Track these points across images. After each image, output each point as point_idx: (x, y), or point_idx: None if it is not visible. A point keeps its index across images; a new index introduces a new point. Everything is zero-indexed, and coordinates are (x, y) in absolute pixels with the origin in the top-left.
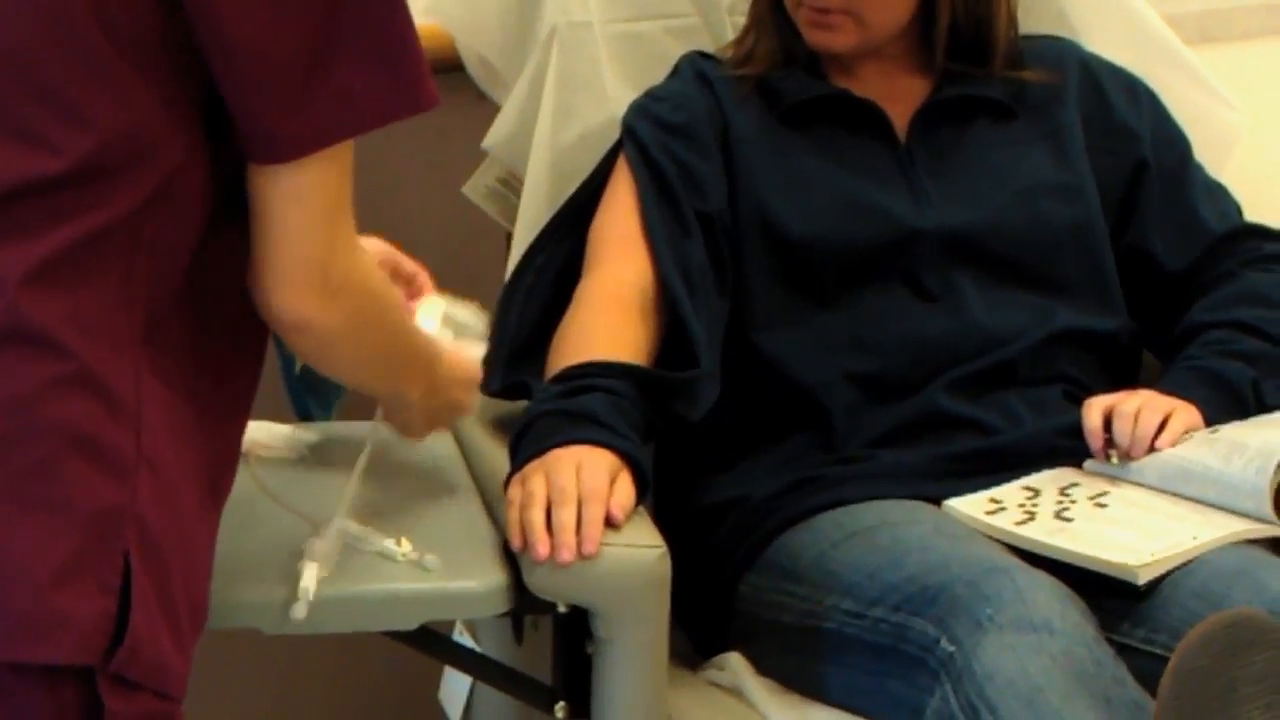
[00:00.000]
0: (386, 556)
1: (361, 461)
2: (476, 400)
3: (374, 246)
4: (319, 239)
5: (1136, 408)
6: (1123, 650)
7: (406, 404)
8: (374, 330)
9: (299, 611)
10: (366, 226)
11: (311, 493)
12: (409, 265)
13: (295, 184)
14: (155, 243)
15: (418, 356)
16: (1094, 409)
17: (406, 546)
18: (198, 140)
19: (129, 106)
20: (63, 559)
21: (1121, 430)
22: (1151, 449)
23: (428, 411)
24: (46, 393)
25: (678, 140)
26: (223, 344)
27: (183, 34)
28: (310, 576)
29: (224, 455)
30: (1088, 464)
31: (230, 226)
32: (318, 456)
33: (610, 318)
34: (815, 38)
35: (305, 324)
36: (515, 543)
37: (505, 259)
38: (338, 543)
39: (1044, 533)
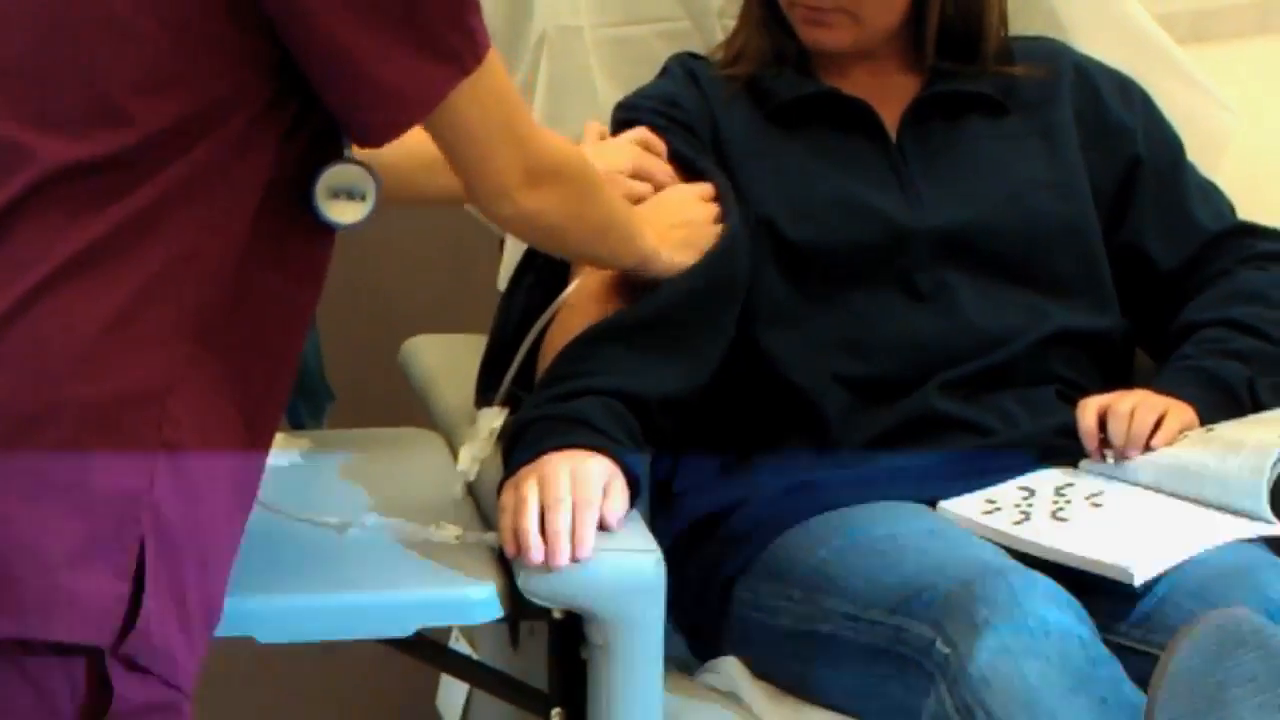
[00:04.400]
0: (438, 542)
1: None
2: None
3: (624, 154)
4: (505, 149)
5: (1131, 407)
6: (1120, 651)
7: (650, 256)
8: (590, 203)
9: (457, 493)
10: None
11: (304, 499)
12: (661, 176)
13: (451, 124)
14: (198, 236)
15: (632, 215)
16: (1089, 409)
17: (453, 529)
18: (245, 141)
19: (174, 102)
20: (77, 540)
21: (1116, 429)
22: (1147, 448)
23: (675, 245)
24: (69, 374)
25: (675, 127)
26: (267, 353)
27: (245, 40)
28: (466, 458)
29: (256, 459)
30: (1083, 464)
31: (282, 238)
32: (309, 463)
33: (603, 315)
34: (811, 35)
35: (529, 216)
36: (509, 548)
37: (498, 265)
38: (490, 441)
39: (1040, 533)
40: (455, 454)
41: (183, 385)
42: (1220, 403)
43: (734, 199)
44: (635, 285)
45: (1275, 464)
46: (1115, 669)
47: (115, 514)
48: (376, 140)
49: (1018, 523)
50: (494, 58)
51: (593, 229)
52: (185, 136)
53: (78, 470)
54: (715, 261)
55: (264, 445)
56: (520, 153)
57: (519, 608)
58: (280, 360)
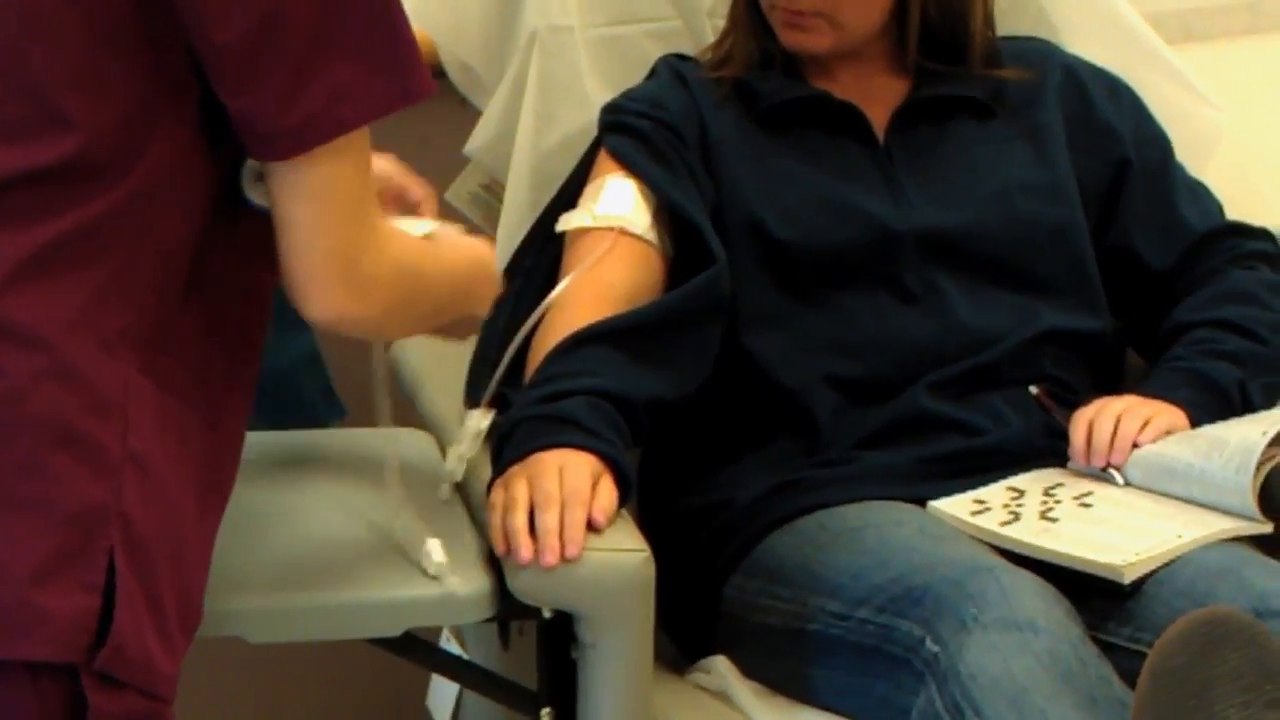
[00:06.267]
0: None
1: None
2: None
3: (380, 168)
4: (342, 235)
5: (1117, 415)
6: (1109, 649)
7: (457, 321)
8: (417, 305)
9: (444, 493)
10: None
11: (294, 499)
12: (417, 191)
13: (307, 181)
14: (148, 240)
15: (469, 280)
16: (1078, 426)
17: (441, 557)
18: (193, 137)
19: (114, 101)
20: (44, 556)
21: (1102, 430)
22: (1134, 446)
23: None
24: (31, 388)
25: (662, 129)
26: (227, 347)
27: (168, 30)
28: (453, 458)
29: (225, 457)
30: (1072, 464)
31: (234, 227)
32: (299, 464)
33: (591, 318)
34: (790, 39)
35: (341, 320)
36: (499, 547)
37: None
38: (478, 441)
39: (1029, 533)
40: (444, 452)
41: (144, 391)
42: (1212, 404)
43: (715, 235)
44: (625, 287)
45: (1260, 462)
46: (1104, 667)
47: (83, 528)
48: (286, 150)
49: (1007, 523)
50: (366, 142)
51: (417, 320)
52: (131, 140)
53: (43, 486)
54: (703, 283)
55: (233, 441)
56: (356, 249)
57: (509, 607)
58: (243, 353)
